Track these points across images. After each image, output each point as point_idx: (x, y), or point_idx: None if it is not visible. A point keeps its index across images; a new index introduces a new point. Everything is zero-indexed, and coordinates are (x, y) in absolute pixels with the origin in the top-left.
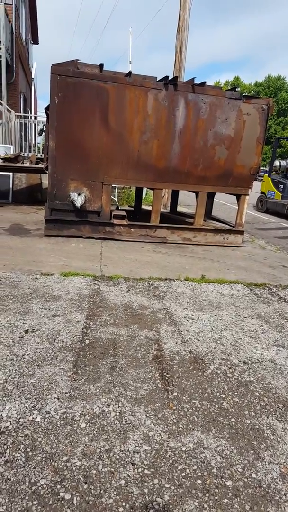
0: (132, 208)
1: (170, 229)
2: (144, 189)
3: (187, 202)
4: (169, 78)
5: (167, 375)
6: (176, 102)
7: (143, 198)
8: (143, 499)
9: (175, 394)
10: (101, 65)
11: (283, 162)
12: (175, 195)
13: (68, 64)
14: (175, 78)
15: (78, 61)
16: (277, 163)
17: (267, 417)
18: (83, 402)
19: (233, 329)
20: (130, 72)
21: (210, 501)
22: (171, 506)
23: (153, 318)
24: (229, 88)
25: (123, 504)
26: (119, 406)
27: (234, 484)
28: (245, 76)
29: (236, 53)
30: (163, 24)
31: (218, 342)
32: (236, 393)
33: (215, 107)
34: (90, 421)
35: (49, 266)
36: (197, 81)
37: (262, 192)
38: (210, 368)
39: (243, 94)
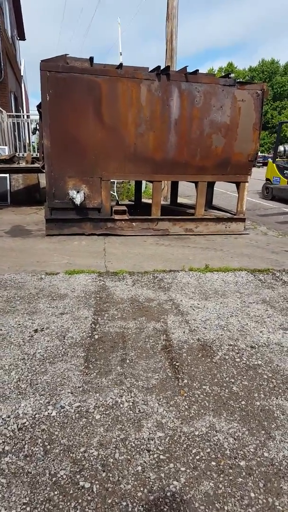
0: (133, 202)
1: (172, 221)
2: (144, 182)
3: (187, 193)
4: (161, 68)
5: (177, 364)
6: (170, 92)
7: (143, 191)
8: (160, 483)
9: (186, 381)
10: (91, 59)
11: None
12: (174, 187)
13: (57, 60)
14: (167, 67)
15: (68, 55)
16: (281, 148)
17: (276, 398)
18: (96, 394)
19: (239, 315)
20: (121, 64)
21: (225, 481)
22: (187, 488)
23: (159, 310)
24: (223, 75)
25: (141, 489)
26: (131, 396)
27: (247, 463)
28: (239, 61)
29: (229, 39)
30: (153, 12)
31: (225, 328)
32: (245, 377)
33: (209, 95)
34: (104, 412)
35: (53, 265)
36: (190, 69)
37: (267, 179)
38: (218, 354)
39: (237, 80)
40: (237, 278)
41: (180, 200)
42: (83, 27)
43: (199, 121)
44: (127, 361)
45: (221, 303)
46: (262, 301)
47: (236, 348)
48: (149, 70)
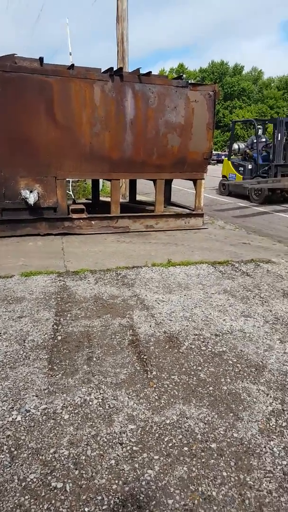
0: (90, 201)
1: (132, 218)
2: (101, 181)
3: (145, 190)
4: (114, 69)
5: (145, 357)
6: (124, 93)
7: (100, 189)
8: (135, 474)
9: (154, 373)
10: (41, 59)
11: (242, 145)
12: (133, 185)
13: (5, 59)
14: (120, 69)
15: (16, 55)
16: (235, 146)
17: (242, 382)
18: (63, 395)
19: (202, 306)
20: (72, 65)
21: (198, 464)
22: (162, 475)
23: (124, 306)
24: (176, 76)
25: (116, 481)
26: (100, 393)
27: (218, 445)
28: (190, 62)
29: (180, 40)
30: (104, 13)
31: (190, 319)
32: (211, 364)
33: (163, 96)
34: (73, 411)
35: (7, 268)
36: (143, 70)
37: (223, 176)
38: (184, 344)
39: (189, 82)
40: (199, 270)
41: (138, 197)
42: (27, 28)
43: (154, 121)
44: (94, 359)
45: (185, 295)
46: (224, 291)
47: (201, 337)
48: (102, 71)
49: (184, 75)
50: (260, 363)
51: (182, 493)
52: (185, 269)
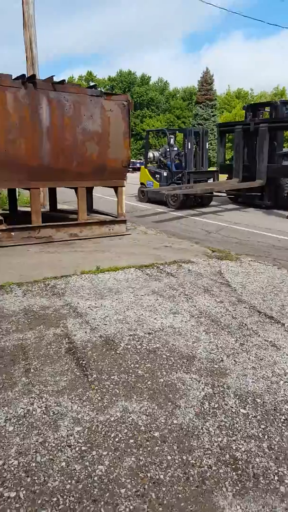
0: (7, 211)
1: (55, 227)
2: (17, 190)
3: (65, 199)
4: (26, 76)
5: (83, 362)
6: (39, 100)
7: (17, 199)
8: (86, 471)
9: (95, 376)
10: None
11: (156, 153)
12: (53, 193)
13: None
14: (33, 76)
15: None
16: (150, 154)
17: (176, 373)
18: (5, 408)
19: (134, 308)
20: None
21: (145, 453)
22: (112, 468)
23: (57, 316)
24: (90, 85)
25: (69, 481)
26: (43, 402)
27: (160, 433)
28: (99, 70)
29: (88, 47)
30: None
31: (124, 321)
32: (147, 360)
33: (78, 105)
34: (17, 423)
35: None
36: (48, 76)
37: (141, 183)
38: (121, 345)
39: (103, 92)
40: (127, 275)
41: (59, 206)
42: None
43: (71, 129)
44: (32, 370)
45: (116, 299)
46: (152, 292)
47: (136, 336)
48: (13, 77)
49: (91, 82)
50: (190, 354)
51: (133, 481)
52: (114, 275)
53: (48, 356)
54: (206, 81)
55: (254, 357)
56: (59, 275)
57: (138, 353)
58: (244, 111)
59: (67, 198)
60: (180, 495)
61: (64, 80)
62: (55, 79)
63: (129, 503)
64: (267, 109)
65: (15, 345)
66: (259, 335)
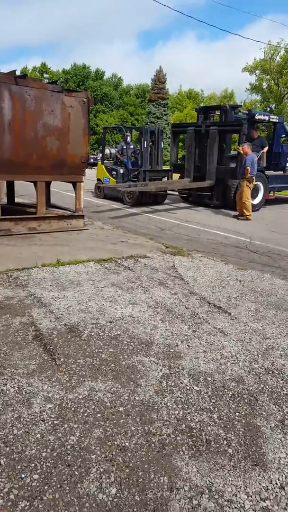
0: None
1: (14, 221)
2: None
3: (21, 192)
4: None
5: (51, 348)
6: (1, 94)
7: None
8: (59, 441)
9: (62, 359)
10: None
11: (113, 150)
12: (10, 187)
13: None
14: None
15: None
16: (107, 151)
17: (137, 356)
18: None
19: (95, 299)
20: None
21: (111, 425)
22: (83, 438)
23: (22, 306)
24: (50, 81)
25: (45, 450)
26: (15, 383)
27: (124, 408)
28: (53, 62)
29: (43, 38)
30: None
31: (86, 311)
32: (110, 345)
33: (40, 100)
34: None
35: None
36: (3, 66)
37: (98, 179)
38: (85, 333)
39: (64, 88)
40: (87, 268)
41: (16, 200)
42: None
43: (32, 124)
44: (2, 355)
45: (78, 291)
46: (112, 284)
47: (98, 325)
48: None
49: (45, 77)
50: (149, 340)
51: (102, 449)
52: (75, 268)
53: (16, 343)
54: (159, 79)
55: (205, 342)
56: (20, 267)
57: (101, 340)
58: (194, 111)
59: (23, 192)
60: (143, 459)
61: (26, 75)
62: (7, 68)
63: (99, 466)
64: (218, 112)
65: None
66: (209, 323)
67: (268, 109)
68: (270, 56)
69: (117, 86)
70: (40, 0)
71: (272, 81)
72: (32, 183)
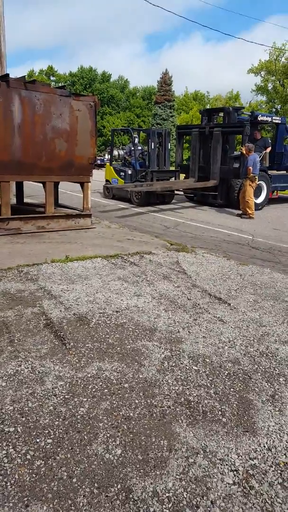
0: None
1: (23, 220)
2: None
3: (29, 193)
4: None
5: (61, 334)
6: (11, 99)
7: None
8: (70, 412)
9: (72, 344)
10: None
11: (121, 152)
12: (19, 188)
13: None
14: (6, 75)
15: None
16: (115, 152)
17: (141, 341)
18: None
19: (102, 291)
20: None
21: (117, 398)
22: (91, 409)
23: (33, 298)
24: (59, 86)
25: (57, 419)
26: (29, 364)
27: (129, 385)
28: (59, 65)
29: (48, 41)
30: None
31: (94, 302)
32: (116, 332)
33: (48, 104)
34: (8, 380)
35: None
36: (10, 68)
37: (107, 180)
38: (92, 321)
39: (72, 92)
40: (95, 264)
41: (25, 200)
42: None
43: (41, 126)
44: (16, 341)
45: (86, 284)
46: (118, 278)
47: (105, 314)
48: None
49: (60, 83)
50: (152, 327)
51: (108, 418)
52: (82, 263)
53: (29, 330)
54: (165, 82)
55: (205, 329)
56: (31, 263)
57: (108, 327)
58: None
59: (32, 193)
60: (146, 426)
61: (35, 80)
62: (15, 70)
63: (106, 432)
64: (221, 114)
65: None
66: (209, 313)
67: (274, 110)
68: (275, 57)
69: (123, 88)
70: (48, 3)
71: (278, 82)
72: (41, 184)
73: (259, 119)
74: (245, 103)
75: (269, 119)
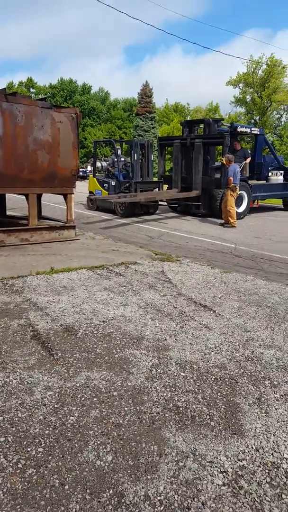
0: None
1: (6, 232)
2: None
3: (11, 206)
4: None
5: (49, 345)
6: None
7: None
8: (60, 421)
9: (60, 354)
10: None
11: (104, 163)
12: (1, 200)
13: None
14: None
15: None
16: (98, 164)
17: (128, 350)
18: None
19: (89, 302)
20: None
21: (106, 406)
22: (81, 418)
23: (19, 310)
24: (40, 98)
25: (47, 428)
26: (17, 375)
27: (118, 392)
28: (39, 77)
29: (27, 53)
30: None
31: (80, 313)
32: (103, 342)
33: (30, 116)
34: None
35: None
36: None
37: (90, 192)
38: (80, 331)
39: (53, 104)
40: (80, 275)
41: (8, 213)
42: None
43: (23, 138)
44: (3, 352)
45: (72, 295)
46: (104, 288)
47: (92, 324)
48: None
49: (29, 94)
50: (140, 335)
51: (98, 425)
52: (68, 275)
53: (16, 342)
54: (146, 93)
55: (191, 336)
56: (15, 275)
57: (95, 337)
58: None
59: (13, 205)
60: (136, 432)
61: (16, 92)
62: None
63: (96, 439)
64: (202, 125)
65: None
66: (195, 320)
67: (253, 121)
68: (252, 70)
69: (104, 100)
70: (26, 14)
71: (255, 94)
72: (24, 196)
73: (238, 130)
74: (225, 114)
75: (248, 130)
